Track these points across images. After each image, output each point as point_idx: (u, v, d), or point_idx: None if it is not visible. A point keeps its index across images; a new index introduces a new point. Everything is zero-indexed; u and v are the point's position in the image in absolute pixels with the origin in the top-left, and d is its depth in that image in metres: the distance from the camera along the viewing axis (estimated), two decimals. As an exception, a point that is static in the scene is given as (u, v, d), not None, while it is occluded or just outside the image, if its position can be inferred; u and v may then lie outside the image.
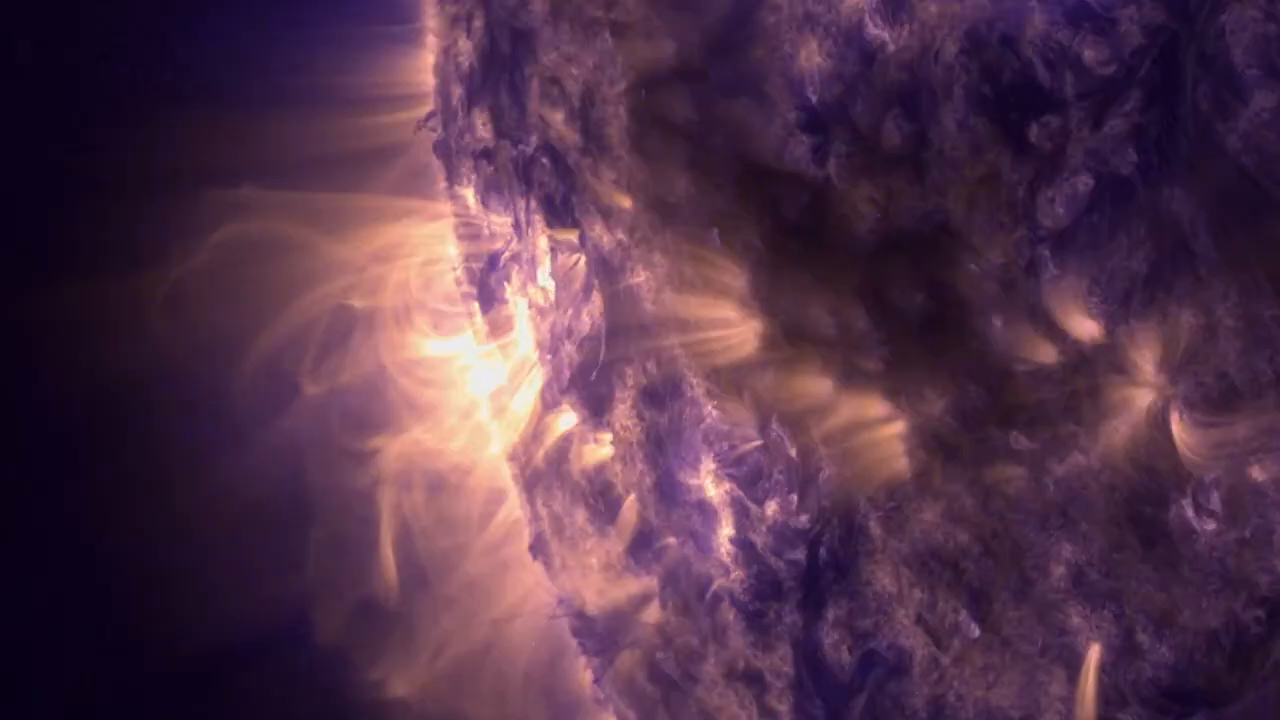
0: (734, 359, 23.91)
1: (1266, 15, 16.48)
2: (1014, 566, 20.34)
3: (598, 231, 26.04)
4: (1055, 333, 19.32)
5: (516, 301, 29.60)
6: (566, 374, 27.84)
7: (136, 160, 29.07)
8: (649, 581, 27.10)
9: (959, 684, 21.35)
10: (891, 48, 20.57)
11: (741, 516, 24.42)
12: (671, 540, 26.28)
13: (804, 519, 23.25)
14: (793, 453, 23.22)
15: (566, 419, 28.43)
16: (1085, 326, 18.98)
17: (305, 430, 30.65)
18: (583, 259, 26.85)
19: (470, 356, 30.98)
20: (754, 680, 24.89)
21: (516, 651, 30.43)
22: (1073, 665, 19.86)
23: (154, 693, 29.81)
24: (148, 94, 29.56)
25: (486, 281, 30.32)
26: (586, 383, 27.32)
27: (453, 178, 31.12)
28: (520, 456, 30.26)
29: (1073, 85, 18.51)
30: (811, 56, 21.70)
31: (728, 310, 23.81)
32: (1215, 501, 17.83)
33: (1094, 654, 19.57)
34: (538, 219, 27.94)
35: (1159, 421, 18.52)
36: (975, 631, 21.03)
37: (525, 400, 29.67)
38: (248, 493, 30.01)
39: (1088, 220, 18.64)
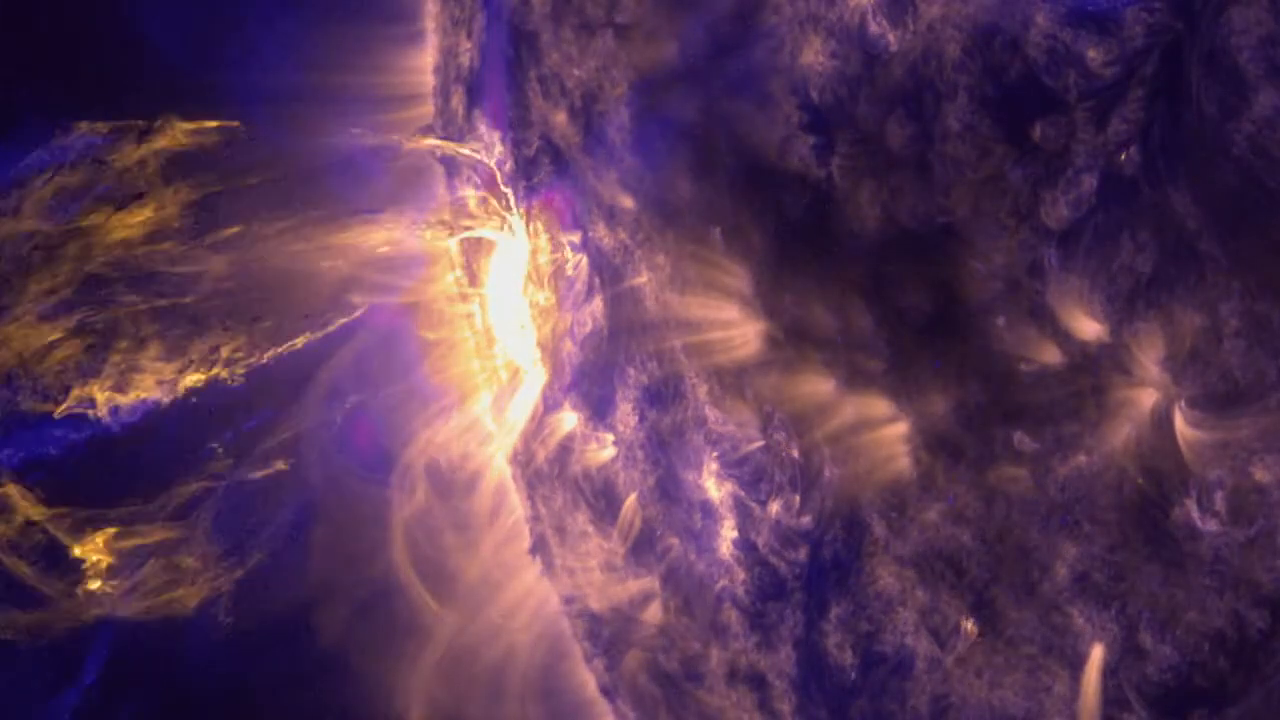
0: (736, 359, 23.89)
1: (1272, 16, 16.46)
2: (1017, 567, 20.32)
3: (600, 232, 26.01)
4: (1059, 333, 19.29)
5: (518, 302, 29.57)
6: (568, 374, 27.80)
7: (136, 160, 29.00)
8: (650, 582, 27.06)
9: (962, 685, 21.34)
10: (895, 48, 20.54)
11: (744, 517, 24.39)
12: (673, 541, 26.25)
13: (806, 519, 23.23)
14: (795, 453, 23.20)
15: (568, 419, 28.39)
16: (1089, 327, 18.95)
17: (305, 429, 30.59)
18: (584, 259, 26.81)
19: (471, 356, 30.93)
20: (756, 681, 24.87)
21: (516, 651, 30.38)
22: (1076, 666, 19.84)
23: (153, 693, 29.74)
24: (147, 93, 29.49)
25: (487, 281, 30.29)
26: (588, 383, 27.29)
27: (453, 178, 31.09)
28: (521, 457, 30.22)
29: (1076, 85, 18.48)
30: (814, 56, 21.65)
31: (730, 311, 23.78)
32: (1219, 502, 17.82)
33: (1097, 654, 19.55)
34: (539, 219, 27.92)
35: (1163, 422, 18.49)
36: (978, 632, 21.02)
37: (526, 401, 29.64)
38: (247, 492, 29.95)
39: (1092, 220, 18.60)
